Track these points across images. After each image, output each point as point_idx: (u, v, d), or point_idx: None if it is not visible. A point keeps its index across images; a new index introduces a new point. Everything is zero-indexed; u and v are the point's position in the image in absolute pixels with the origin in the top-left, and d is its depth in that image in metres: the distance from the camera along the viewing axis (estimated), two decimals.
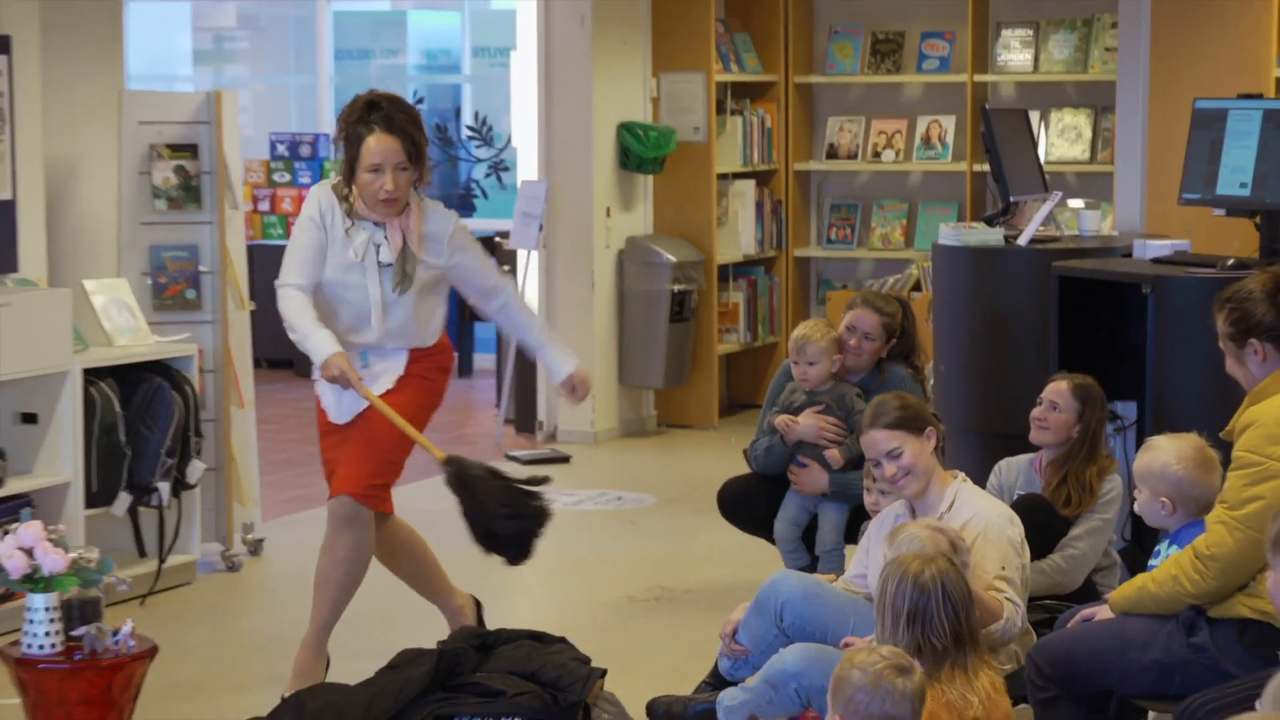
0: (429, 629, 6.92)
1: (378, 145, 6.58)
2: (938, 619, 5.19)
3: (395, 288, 6.71)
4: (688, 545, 9.37)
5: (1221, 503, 5.24)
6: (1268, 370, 5.38)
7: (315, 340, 6.55)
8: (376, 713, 6.38)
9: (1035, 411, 6.89)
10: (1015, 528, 6.15)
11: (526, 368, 12.30)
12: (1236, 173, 7.89)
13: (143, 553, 8.43)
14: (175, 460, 8.36)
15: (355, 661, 6.79)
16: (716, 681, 6.61)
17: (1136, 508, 5.57)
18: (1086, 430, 6.84)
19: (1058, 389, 6.88)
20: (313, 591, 6.77)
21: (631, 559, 9.21)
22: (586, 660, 6.65)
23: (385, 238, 6.70)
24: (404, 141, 6.61)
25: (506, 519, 6.59)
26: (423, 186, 6.82)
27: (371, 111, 6.65)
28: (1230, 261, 7.46)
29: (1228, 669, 5.10)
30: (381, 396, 6.68)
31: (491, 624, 6.93)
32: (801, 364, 7.75)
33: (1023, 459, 7.02)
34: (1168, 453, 5.51)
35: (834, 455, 7.53)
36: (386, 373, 6.79)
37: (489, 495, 6.58)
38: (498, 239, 13.39)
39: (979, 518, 6.09)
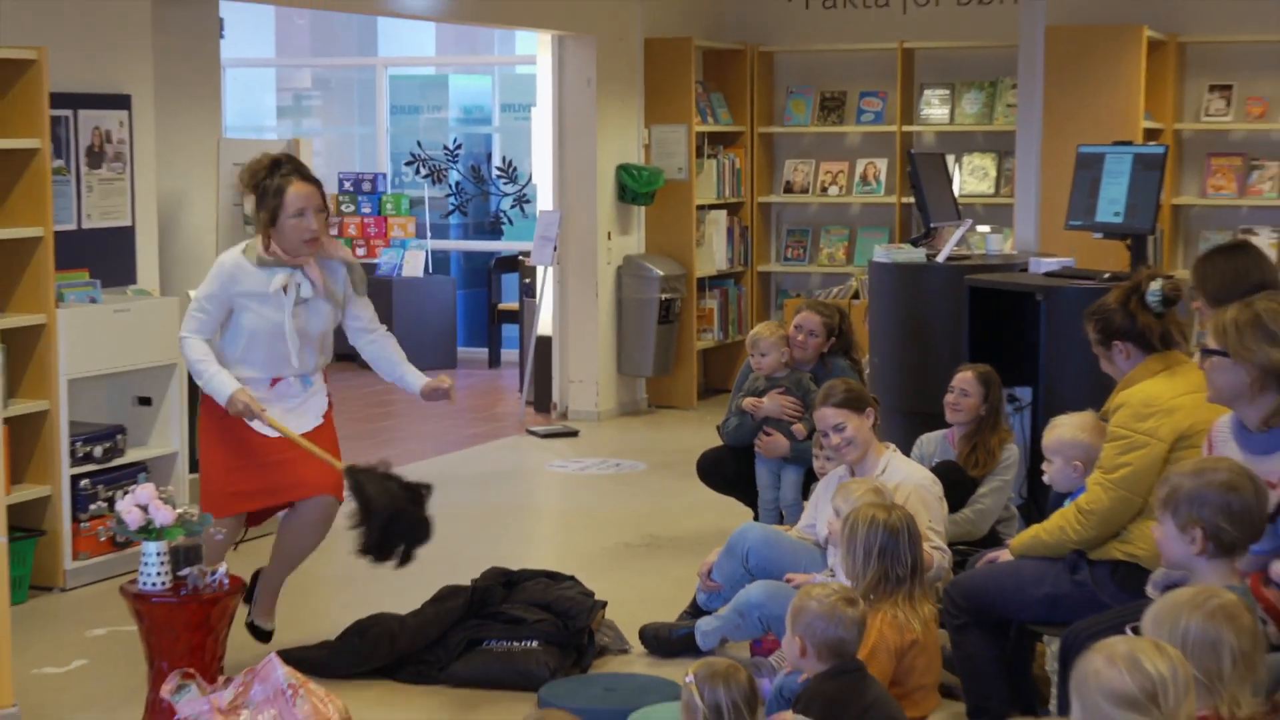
0: (465, 568, 6.91)
1: (298, 192, 6.13)
2: (903, 553, 5.22)
3: (338, 309, 6.41)
4: (672, 502, 9.37)
5: (1099, 468, 5.26)
6: (1133, 363, 5.38)
7: (219, 381, 6.16)
8: (423, 637, 6.39)
9: (949, 398, 6.93)
10: (936, 488, 6.21)
11: (544, 361, 12.32)
12: (1111, 204, 7.90)
13: None
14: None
15: (400, 597, 6.78)
16: (695, 611, 6.63)
17: (1048, 478, 5.56)
18: (990, 408, 6.89)
19: (965, 378, 6.92)
20: (280, 553, 6.59)
21: (627, 513, 9.21)
22: (591, 594, 6.66)
23: (304, 277, 6.24)
24: (318, 187, 6.24)
25: (399, 512, 6.17)
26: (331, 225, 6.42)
27: (281, 166, 6.23)
28: (1106, 275, 7.48)
29: (1104, 601, 5.10)
30: (318, 428, 6.40)
31: (515, 564, 6.90)
32: (756, 355, 7.80)
33: (939, 434, 7.05)
34: (1074, 427, 5.53)
35: (800, 429, 7.54)
36: (318, 393, 6.47)
37: (383, 493, 6.17)
38: (521, 257, 13.40)
39: (908, 480, 6.13)
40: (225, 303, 6.23)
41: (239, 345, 6.27)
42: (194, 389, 7.98)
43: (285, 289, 6.19)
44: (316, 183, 6.27)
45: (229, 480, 6.30)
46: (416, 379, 6.57)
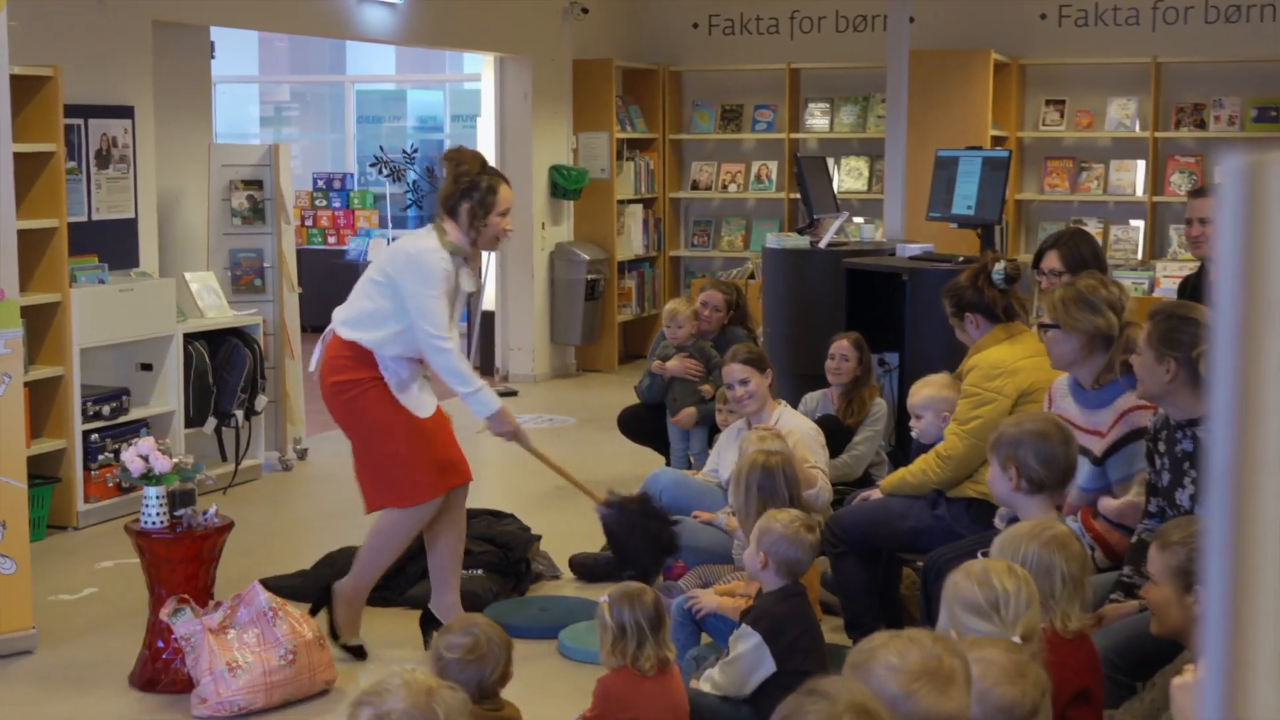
0: None
1: (508, 193, 5.51)
2: (780, 489, 5.19)
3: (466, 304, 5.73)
4: (597, 451, 9.35)
5: (955, 420, 5.28)
6: (982, 332, 5.40)
7: (487, 393, 5.42)
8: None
9: (830, 364, 6.95)
10: (820, 436, 6.21)
11: (488, 331, 12.26)
12: (965, 199, 7.91)
13: (224, 458, 8.37)
14: (247, 395, 8.30)
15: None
16: None
17: (917, 433, 5.56)
18: (863, 367, 6.91)
19: (842, 346, 6.94)
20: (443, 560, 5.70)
21: (559, 460, 9.18)
22: (528, 529, 6.64)
23: (469, 271, 5.55)
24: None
25: (651, 545, 5.67)
26: None
27: (487, 166, 5.57)
28: (960, 258, 7.50)
29: (959, 532, 5.14)
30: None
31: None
32: (673, 327, 7.81)
33: (820, 392, 7.09)
34: (937, 385, 5.55)
35: (707, 389, 7.55)
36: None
37: (638, 528, 5.65)
38: None
39: (796, 429, 6.14)
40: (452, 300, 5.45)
41: (411, 338, 5.37)
42: (187, 357, 7.93)
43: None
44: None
45: (436, 458, 5.45)
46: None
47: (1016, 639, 2.98)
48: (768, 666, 4.37)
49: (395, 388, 5.37)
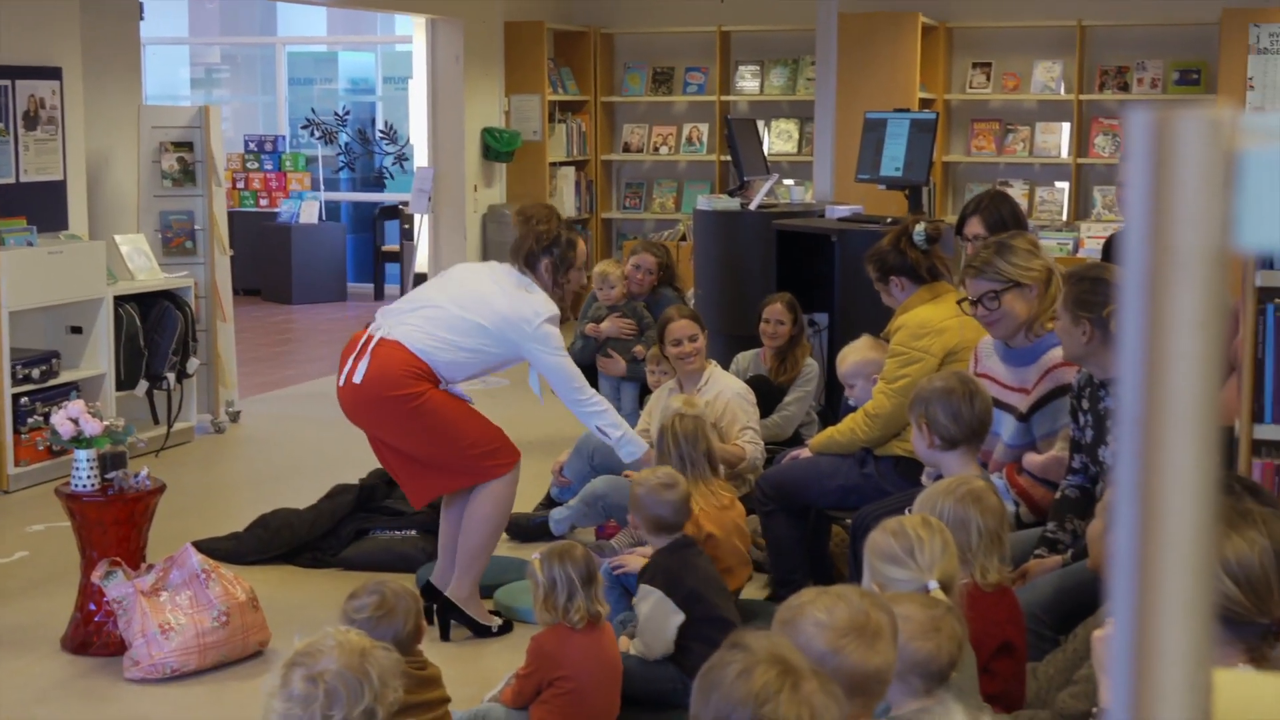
0: (354, 469, 6.83)
1: (584, 249, 5.50)
2: (697, 450, 5.22)
3: None
4: (530, 412, 9.32)
5: (882, 379, 5.30)
6: (907, 294, 5.42)
7: (634, 440, 5.47)
8: (318, 528, 6.32)
9: (765, 328, 6.95)
10: (750, 395, 6.24)
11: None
12: (893, 160, 7.94)
13: (156, 421, 8.30)
14: (179, 358, 8.23)
15: (298, 495, 6.69)
16: (548, 503, 6.64)
17: (853, 400, 5.57)
18: (797, 328, 6.93)
19: (776, 309, 6.95)
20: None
21: (493, 421, 9.16)
22: None
23: None
24: None
25: None
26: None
27: (562, 220, 5.50)
28: (889, 219, 7.52)
29: (887, 489, 5.17)
30: None
31: None
32: (604, 289, 7.80)
33: (752, 352, 7.10)
34: (862, 349, 5.56)
35: (639, 350, 7.54)
36: None
37: None
38: (401, 206, 13.27)
39: (726, 390, 6.17)
40: None
41: (472, 367, 5.37)
42: (118, 320, 7.85)
43: None
44: None
45: (498, 429, 5.46)
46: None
47: (932, 583, 3.01)
48: (676, 617, 4.44)
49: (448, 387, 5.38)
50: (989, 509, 3.55)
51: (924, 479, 4.62)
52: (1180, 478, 0.75)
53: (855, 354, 5.54)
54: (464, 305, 5.30)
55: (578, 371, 5.39)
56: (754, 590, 5.64)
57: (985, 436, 4.41)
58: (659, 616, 4.46)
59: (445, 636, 5.32)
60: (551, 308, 5.32)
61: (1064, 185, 11.75)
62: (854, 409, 5.52)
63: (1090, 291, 4.20)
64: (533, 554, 4.25)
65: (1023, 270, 4.75)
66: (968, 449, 4.30)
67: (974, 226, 6.02)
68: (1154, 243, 0.72)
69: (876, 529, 3.20)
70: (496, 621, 5.43)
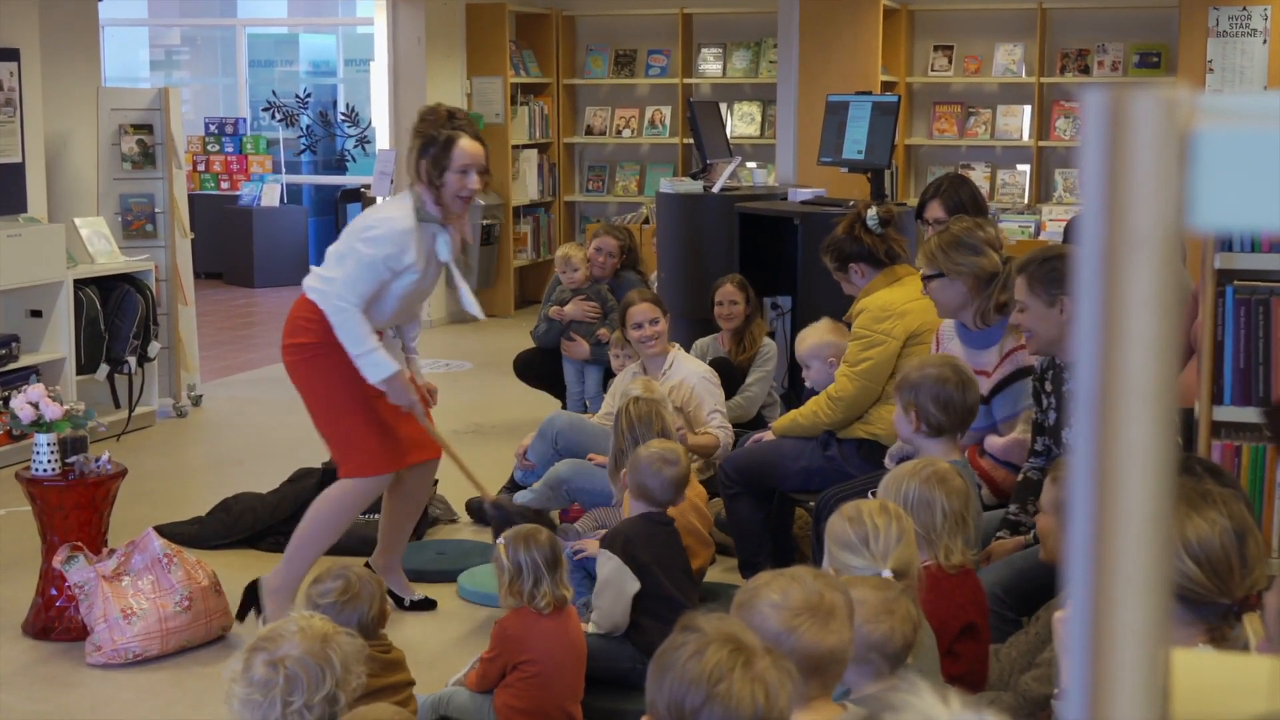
0: (317, 452, 6.81)
1: (469, 148, 4.90)
2: (648, 434, 5.21)
3: (465, 278, 5.11)
4: (494, 395, 9.34)
5: (845, 362, 5.31)
6: (867, 279, 5.43)
7: (381, 355, 4.87)
8: (281, 511, 6.30)
9: (719, 310, 6.96)
10: (714, 378, 6.25)
11: None
12: (855, 143, 7.94)
13: (117, 405, 8.26)
14: (140, 341, 8.18)
15: (260, 480, 6.66)
16: (512, 487, 6.61)
17: (810, 382, 5.58)
18: (750, 306, 6.94)
19: (728, 291, 6.96)
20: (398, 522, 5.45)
21: (456, 405, 9.16)
22: None
23: (447, 238, 5.00)
24: (484, 148, 5.02)
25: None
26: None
27: (455, 118, 4.99)
28: (852, 203, 7.52)
29: (850, 472, 5.17)
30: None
31: None
32: (568, 272, 7.81)
33: (710, 337, 7.11)
34: (821, 331, 5.58)
35: (603, 333, 7.54)
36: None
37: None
38: (363, 189, 13.18)
39: (691, 375, 6.17)
40: (390, 271, 4.91)
41: (379, 306, 4.97)
42: (78, 304, 7.81)
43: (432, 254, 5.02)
44: (484, 144, 5.05)
45: (391, 430, 5.09)
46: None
47: (886, 572, 3.02)
48: (631, 584, 4.45)
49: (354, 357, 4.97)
50: (954, 490, 3.57)
51: (887, 461, 4.65)
52: (1137, 456, 0.75)
53: (814, 335, 5.55)
54: (347, 229, 5.08)
55: (368, 288, 4.85)
56: (719, 574, 5.65)
57: (969, 426, 4.42)
58: (615, 584, 4.47)
59: (240, 617, 5.13)
60: (402, 219, 4.87)
61: (1025, 168, 11.79)
62: (813, 391, 5.53)
63: (1057, 269, 4.22)
64: (497, 539, 4.24)
65: (953, 265, 4.79)
66: (952, 437, 4.31)
67: (934, 210, 6.04)
68: (1109, 222, 0.72)
69: (836, 514, 3.21)
70: None
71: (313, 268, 5.15)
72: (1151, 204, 0.71)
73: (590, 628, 4.53)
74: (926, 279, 4.86)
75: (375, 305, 4.94)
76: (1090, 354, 0.72)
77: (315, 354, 4.99)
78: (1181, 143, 0.72)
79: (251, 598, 5.15)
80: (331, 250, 5.04)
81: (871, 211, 5.39)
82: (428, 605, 5.50)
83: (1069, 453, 3.15)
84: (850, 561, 3.07)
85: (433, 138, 4.91)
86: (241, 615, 5.16)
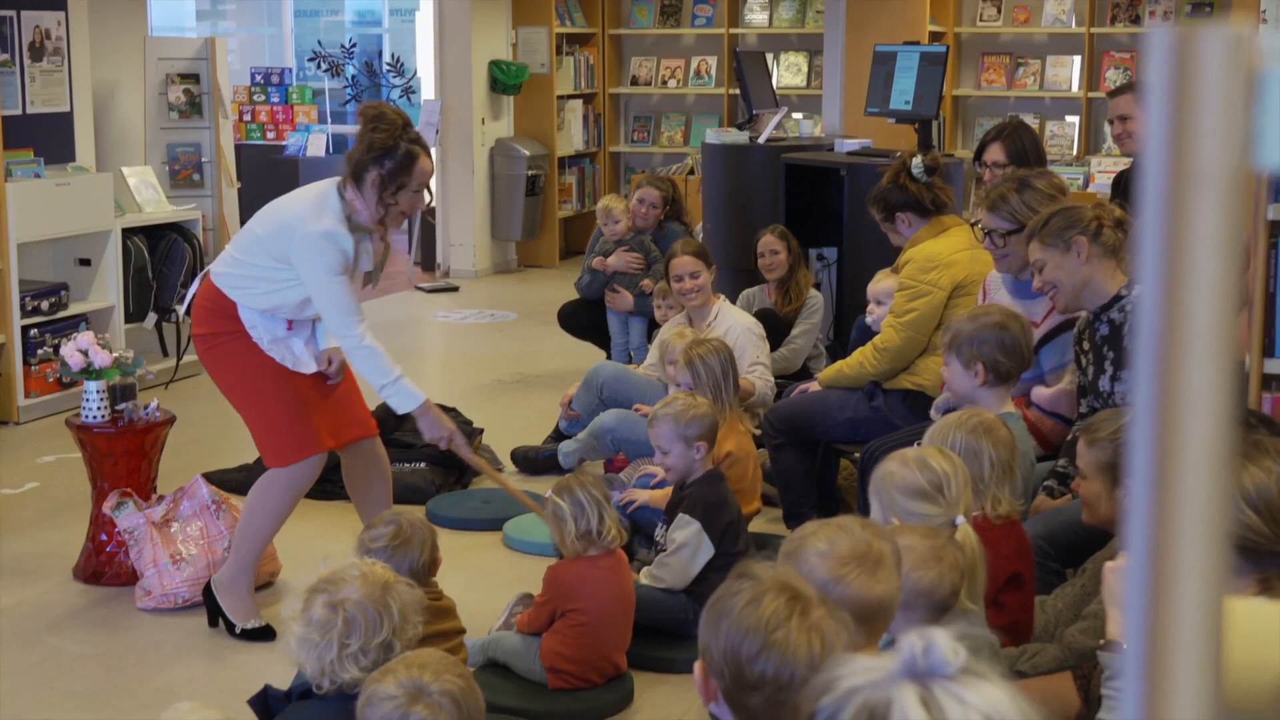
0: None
1: (429, 167, 4.61)
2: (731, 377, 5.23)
3: (366, 285, 4.73)
4: (538, 346, 9.34)
5: (892, 313, 5.29)
6: (914, 229, 5.40)
7: (407, 384, 4.61)
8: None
9: (762, 262, 6.94)
10: (759, 329, 6.23)
11: (429, 227, 12.18)
12: (903, 94, 7.88)
13: (165, 353, 8.31)
14: (187, 290, 8.23)
15: None
16: (557, 436, 6.63)
17: (873, 320, 5.55)
18: (793, 255, 6.91)
19: (769, 241, 6.94)
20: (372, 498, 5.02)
21: (500, 355, 9.18)
22: (470, 422, 6.62)
23: (370, 247, 4.66)
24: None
25: None
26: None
27: (408, 129, 4.60)
28: (899, 154, 7.46)
29: (895, 423, 5.18)
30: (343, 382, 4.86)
31: None
32: (610, 224, 7.79)
33: (756, 288, 7.09)
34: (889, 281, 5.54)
35: (647, 284, 7.52)
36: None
37: None
38: None
39: (735, 326, 6.16)
40: (346, 269, 4.55)
41: (284, 294, 4.63)
42: (126, 252, 7.84)
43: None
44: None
45: (310, 411, 4.74)
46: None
47: (961, 519, 3.01)
48: (707, 550, 4.45)
49: (267, 344, 4.69)
50: (1000, 440, 3.55)
51: (933, 413, 4.62)
52: (1199, 400, 0.74)
53: (893, 279, 5.49)
54: (257, 217, 4.72)
55: (352, 303, 4.52)
56: (764, 524, 5.65)
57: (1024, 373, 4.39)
58: (692, 549, 4.47)
59: (212, 622, 4.85)
60: (337, 223, 4.50)
61: (1074, 119, 11.67)
62: (869, 330, 5.50)
63: (1058, 217, 4.22)
64: (540, 489, 4.24)
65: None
66: (1009, 386, 4.27)
67: (994, 153, 6.00)
68: (1175, 162, 0.71)
69: (893, 463, 3.19)
70: (253, 623, 4.79)
71: (219, 259, 4.81)
72: (1218, 143, 0.70)
73: (644, 579, 4.54)
74: (1007, 233, 4.74)
75: (281, 297, 4.60)
76: (1153, 296, 0.71)
77: (218, 342, 4.71)
78: (1249, 81, 0.71)
79: (211, 600, 4.86)
80: (249, 245, 4.65)
81: (916, 160, 5.36)
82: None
83: (1108, 401, 3.12)
84: (921, 509, 3.06)
85: (391, 149, 4.53)
86: (212, 620, 4.87)
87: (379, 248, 4.70)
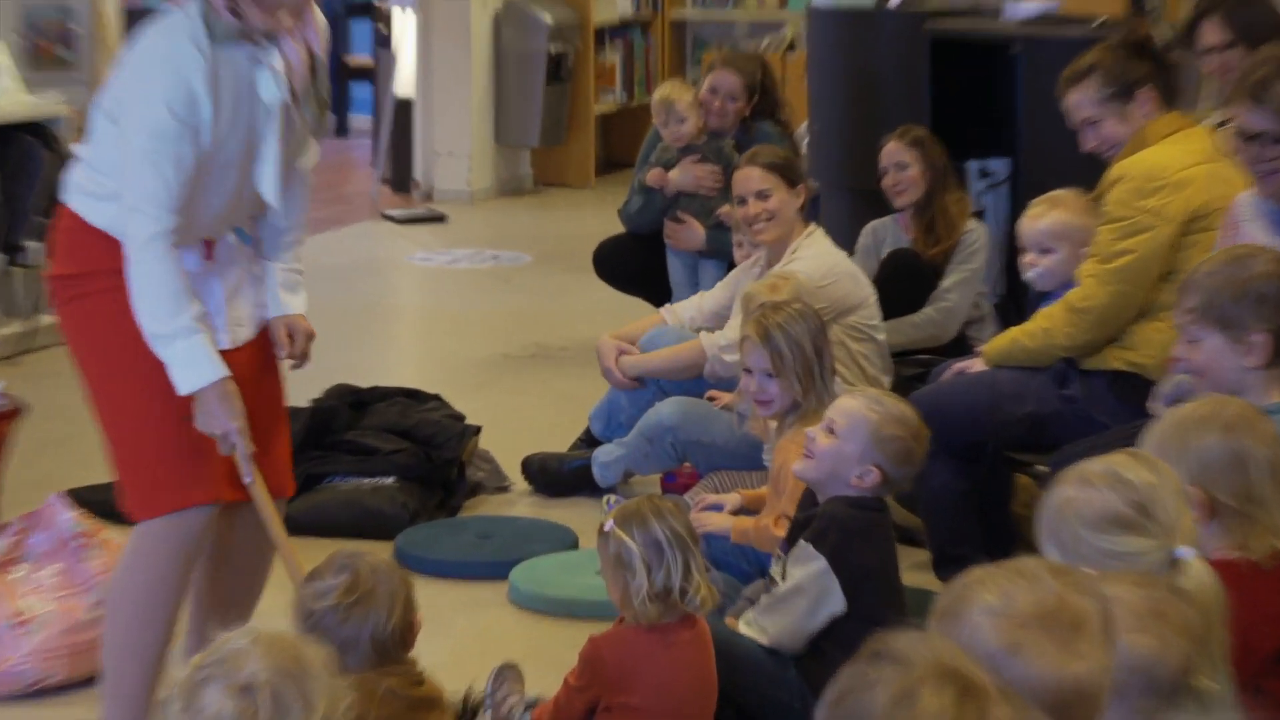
0: (303, 384, 6.80)
1: None
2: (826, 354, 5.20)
3: (315, 121, 4.39)
4: (563, 303, 9.33)
5: (1093, 257, 5.24)
6: (1151, 118, 5.32)
7: (196, 347, 4.17)
8: None
9: (886, 181, 6.96)
10: (837, 285, 6.09)
11: (404, 129, 12.18)
12: None
13: (14, 311, 8.30)
14: (46, 219, 8.23)
15: None
16: (590, 439, 6.58)
17: (1037, 274, 5.54)
18: (934, 170, 6.86)
19: (892, 150, 6.97)
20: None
21: (507, 316, 9.17)
22: (461, 418, 6.61)
23: (279, 59, 4.22)
24: None
25: None
26: None
27: None
28: (1098, 22, 7.41)
29: (1100, 419, 5.14)
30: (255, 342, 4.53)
31: (365, 381, 6.79)
32: (672, 123, 7.77)
33: (888, 219, 7.10)
34: (1080, 211, 5.47)
35: (726, 210, 7.44)
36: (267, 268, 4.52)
37: None
38: (376, 1, 13.22)
39: (798, 274, 6.05)
40: (194, 136, 4.13)
41: (209, 207, 4.29)
42: None
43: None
44: None
45: (202, 441, 4.27)
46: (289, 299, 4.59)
47: (1186, 550, 2.98)
48: (834, 603, 4.37)
49: None
50: (1266, 438, 3.50)
51: (1154, 405, 4.56)
52: None
53: (1062, 210, 5.46)
54: (107, 83, 4.40)
55: (168, 190, 4.12)
56: (903, 572, 5.54)
57: None
58: (811, 596, 4.39)
59: None
60: (183, 39, 4.13)
61: None
62: (1040, 295, 5.51)
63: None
64: (603, 525, 4.08)
65: None
66: None
67: (1210, 34, 6.01)
68: None
69: (1070, 484, 3.12)
70: None
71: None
72: None
73: (744, 626, 4.45)
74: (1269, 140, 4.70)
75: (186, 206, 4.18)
76: None
77: (84, 288, 4.33)
78: None
79: None
80: (100, 126, 4.38)
81: (1165, 25, 5.37)
82: None
83: None
84: (1122, 545, 3.00)
85: None
86: None
87: (296, 56, 4.27)
